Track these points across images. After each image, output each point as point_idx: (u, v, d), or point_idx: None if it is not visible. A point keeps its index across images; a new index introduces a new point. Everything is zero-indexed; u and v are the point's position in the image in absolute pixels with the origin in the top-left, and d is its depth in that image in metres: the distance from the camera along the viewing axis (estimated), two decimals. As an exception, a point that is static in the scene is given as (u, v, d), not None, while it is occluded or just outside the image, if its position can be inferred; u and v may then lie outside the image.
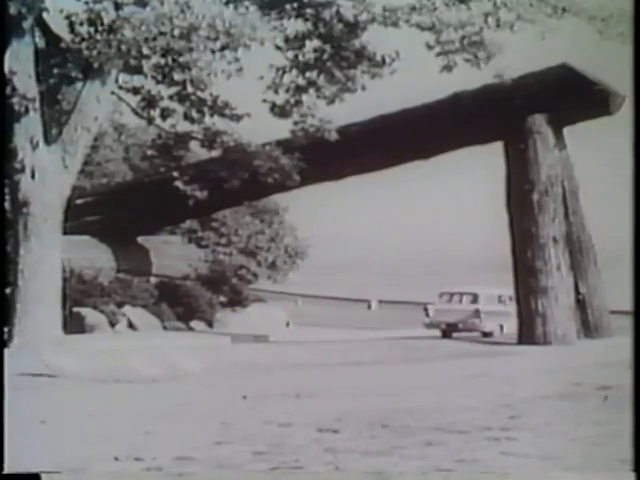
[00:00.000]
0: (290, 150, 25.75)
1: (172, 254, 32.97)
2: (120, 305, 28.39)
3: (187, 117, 24.92)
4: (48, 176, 21.31)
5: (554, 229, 25.10)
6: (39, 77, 21.34)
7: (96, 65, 21.00)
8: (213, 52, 21.58)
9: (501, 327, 26.49)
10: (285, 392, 14.15)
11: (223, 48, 21.31)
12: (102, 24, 20.55)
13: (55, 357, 16.87)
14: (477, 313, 26.95)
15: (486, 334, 26.66)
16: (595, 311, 25.59)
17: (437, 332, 27.45)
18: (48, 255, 21.09)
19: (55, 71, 22.25)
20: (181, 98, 24.42)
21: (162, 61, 22.50)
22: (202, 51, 21.48)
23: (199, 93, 24.21)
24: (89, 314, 27.57)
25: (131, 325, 28.13)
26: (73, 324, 25.09)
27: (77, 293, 27.17)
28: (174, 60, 22.65)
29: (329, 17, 22.25)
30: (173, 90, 24.31)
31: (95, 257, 29.73)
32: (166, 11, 20.28)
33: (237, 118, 24.94)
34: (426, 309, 28.07)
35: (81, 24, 20.94)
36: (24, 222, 21.03)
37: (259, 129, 26.27)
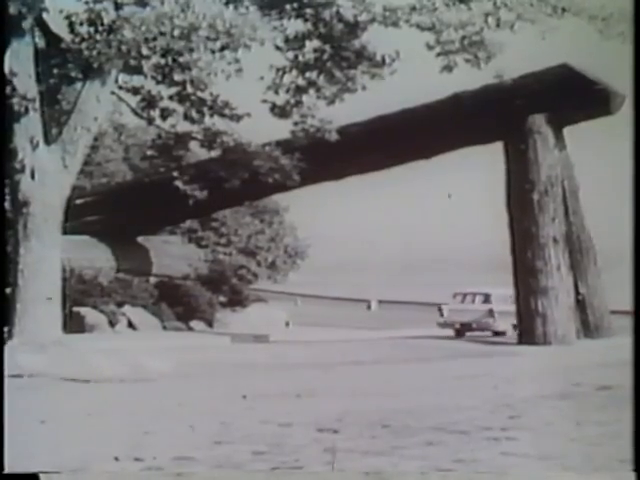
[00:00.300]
0: (290, 150, 25.75)
1: (172, 254, 32.96)
2: (120, 305, 28.39)
3: (187, 117, 24.91)
4: (48, 176, 21.29)
5: (554, 229, 25.09)
6: (39, 77, 21.33)
7: (96, 65, 20.98)
8: (213, 52, 21.56)
9: (514, 326, 26.61)
10: (285, 392, 14.14)
11: (223, 48, 21.29)
12: (102, 24, 20.53)
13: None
14: (491, 313, 27.24)
15: (498, 333, 26.85)
16: (595, 311, 25.58)
17: (446, 332, 27.91)
18: (48, 255, 21.08)
19: (55, 71, 22.24)
20: (181, 98, 24.41)
21: (162, 61, 22.49)
22: (202, 51, 21.47)
23: (199, 93, 24.20)
24: (89, 314, 27.58)
25: (131, 325, 28.14)
26: (73, 324, 25.09)
27: (77, 293, 27.17)
28: (174, 60, 22.64)
29: (329, 17, 22.24)
30: (173, 90, 24.30)
31: (95, 257, 29.72)
32: (166, 11, 20.27)
33: (237, 118, 24.93)
34: (440, 309, 28.62)
35: (81, 24, 20.92)
36: (24, 222, 21.02)
37: (259, 129, 26.28)
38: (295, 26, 22.75)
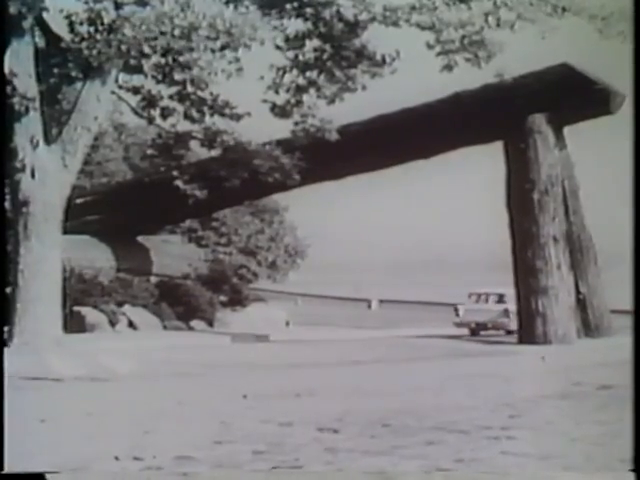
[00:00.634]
0: (290, 149, 25.76)
1: (172, 253, 32.98)
2: (120, 304, 28.41)
3: (187, 117, 24.91)
4: (48, 176, 21.28)
5: (554, 228, 25.10)
6: (39, 77, 21.32)
7: (96, 65, 20.97)
8: (213, 52, 21.55)
9: None
10: (285, 391, 14.15)
11: (223, 48, 21.29)
12: (102, 24, 20.52)
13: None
14: (506, 312, 27.54)
15: (511, 332, 27.07)
16: (595, 310, 25.60)
17: (461, 331, 28.52)
18: (48, 254, 21.06)
19: (55, 71, 22.23)
20: (181, 98, 24.40)
21: (162, 60, 22.47)
22: (202, 51, 21.46)
23: (199, 92, 24.19)
24: (89, 313, 27.59)
25: (131, 324, 28.15)
26: (73, 323, 25.09)
27: (77, 292, 27.19)
28: (174, 60, 22.62)
29: (329, 16, 22.22)
30: (173, 90, 24.29)
31: (95, 256, 29.74)
32: (166, 10, 20.26)
33: (237, 117, 24.93)
34: (456, 309, 29.56)
35: (81, 24, 20.91)
36: (24, 222, 21.01)
37: (259, 129, 26.29)
38: (295, 25, 22.75)
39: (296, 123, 24.56)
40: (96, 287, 28.56)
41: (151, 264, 31.51)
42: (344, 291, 50.87)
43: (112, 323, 27.80)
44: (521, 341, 24.80)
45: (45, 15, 21.78)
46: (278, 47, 23.18)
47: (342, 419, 11.22)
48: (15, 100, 20.51)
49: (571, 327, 24.77)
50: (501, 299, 27.77)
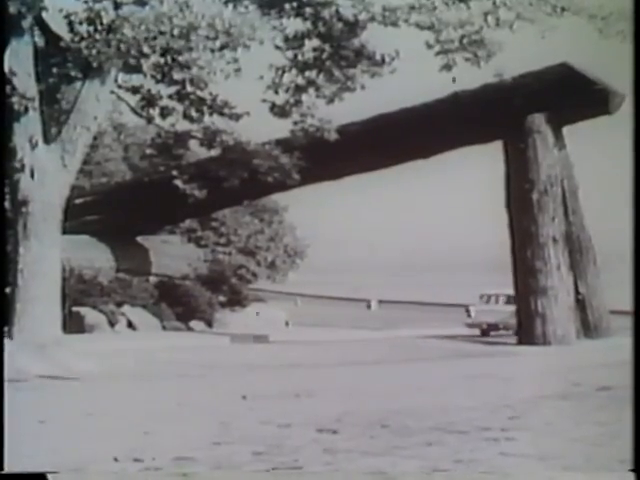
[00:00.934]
0: (290, 149, 25.75)
1: (171, 254, 32.97)
2: (119, 305, 28.40)
3: (186, 116, 24.89)
4: (47, 175, 21.27)
5: (554, 229, 25.09)
6: (38, 76, 21.30)
7: (95, 64, 20.95)
8: (212, 51, 21.54)
9: None
10: (284, 392, 14.14)
11: (222, 47, 21.27)
12: (101, 23, 20.50)
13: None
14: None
15: None
16: (595, 311, 25.58)
17: (473, 331, 28.98)
18: (47, 254, 21.05)
19: (54, 70, 22.21)
20: (180, 97, 24.38)
21: (161, 60, 22.45)
22: (201, 50, 21.44)
23: (198, 92, 24.18)
24: (89, 314, 27.58)
25: (130, 325, 28.14)
26: (73, 324, 25.08)
27: (77, 293, 27.17)
28: (173, 59, 22.60)
29: (328, 16, 22.21)
30: (172, 89, 24.27)
31: (94, 257, 29.72)
32: (165, 10, 20.24)
33: (236, 117, 24.91)
34: (468, 310, 30.44)
35: (80, 23, 20.88)
36: (24, 221, 20.99)
37: (259, 128, 26.29)
38: (294, 25, 22.73)
39: (295, 123, 24.55)
40: (95, 287, 28.55)
41: (150, 264, 31.50)
42: (343, 291, 50.87)
43: (111, 323, 27.79)
44: (520, 342, 24.78)
45: (44, 15, 21.77)
46: (277, 47, 23.17)
47: (341, 420, 11.21)
48: (14, 100, 20.49)
49: (570, 328, 24.76)
50: (510, 300, 27.89)
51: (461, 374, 17.33)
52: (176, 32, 20.28)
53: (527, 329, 24.76)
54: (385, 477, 8.25)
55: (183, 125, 25.60)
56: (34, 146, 21.06)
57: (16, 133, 20.93)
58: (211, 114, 24.87)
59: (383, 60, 22.86)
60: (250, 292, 33.08)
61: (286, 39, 23.00)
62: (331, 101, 23.90)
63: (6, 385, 10.69)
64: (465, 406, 12.46)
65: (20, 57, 20.80)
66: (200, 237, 40.29)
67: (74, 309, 26.67)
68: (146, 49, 20.72)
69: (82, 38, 20.73)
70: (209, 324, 29.64)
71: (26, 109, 20.78)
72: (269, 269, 43.75)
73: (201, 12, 20.40)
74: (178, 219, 35.60)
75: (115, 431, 10.66)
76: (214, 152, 26.82)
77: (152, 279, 30.76)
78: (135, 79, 24.15)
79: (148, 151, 30.07)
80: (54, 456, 9.05)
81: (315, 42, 23.14)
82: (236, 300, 31.36)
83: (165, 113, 25.06)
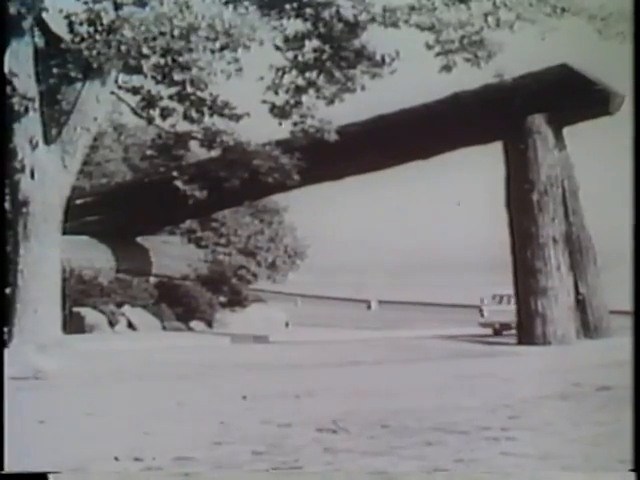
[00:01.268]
0: (290, 150, 25.76)
1: (172, 254, 32.97)
2: (120, 305, 28.40)
3: (187, 117, 24.92)
4: (48, 176, 21.30)
5: (554, 229, 25.09)
6: (39, 77, 21.34)
7: (96, 65, 20.99)
8: (213, 52, 21.56)
9: None
10: (284, 392, 14.15)
11: (223, 48, 21.29)
12: (102, 24, 20.53)
13: None
14: None
15: None
16: (595, 311, 25.58)
17: (486, 330, 29.25)
18: (48, 255, 21.08)
19: (55, 71, 22.23)
20: (181, 98, 24.41)
21: (162, 61, 22.48)
22: (202, 51, 21.47)
23: (199, 93, 24.21)
24: (89, 314, 27.58)
25: (130, 325, 28.14)
26: (73, 324, 25.09)
27: (77, 293, 27.18)
28: (174, 60, 22.64)
29: (329, 17, 22.23)
30: (173, 90, 24.31)
31: (95, 257, 29.73)
32: (165, 11, 20.26)
33: (237, 118, 24.94)
34: (481, 310, 30.48)
35: (81, 24, 20.91)
36: (24, 222, 21.02)
37: (259, 129, 26.30)
38: (295, 26, 22.77)
39: (295, 124, 24.57)
40: (95, 288, 28.55)
41: (151, 265, 31.51)
42: (343, 292, 50.87)
43: (111, 324, 27.79)
44: (520, 342, 24.78)
45: (45, 15, 21.80)
46: (277, 47, 23.20)
47: (342, 420, 11.22)
48: (15, 100, 20.53)
49: (570, 328, 24.76)
50: None
51: (461, 374, 17.34)
52: (176, 33, 20.31)
53: (527, 329, 24.76)
54: (385, 477, 8.26)
55: (183, 126, 25.64)
56: (34, 147, 21.10)
57: (16, 134, 20.96)
58: (211, 115, 24.89)
59: (383, 61, 22.89)
60: (250, 292, 33.08)
61: (286, 40, 23.03)
62: (331, 102, 23.92)
63: (6, 385, 10.70)
64: (465, 406, 12.47)
65: (20, 58, 20.83)
66: (200, 238, 40.31)
67: (74, 309, 26.68)
68: (146, 50, 20.75)
69: (82, 39, 20.76)
70: (209, 324, 29.65)
71: (26, 110, 20.81)
72: (269, 269, 43.77)
73: (201, 13, 20.43)
74: (178, 220, 35.61)
75: (115, 431, 10.67)
76: (214, 153, 26.83)
77: (152, 279, 30.77)
78: (135, 80, 24.20)
79: (148, 152, 30.08)
80: (54, 456, 9.06)
81: (315, 43, 23.17)
82: (236, 300, 31.36)
83: (165, 114, 25.09)
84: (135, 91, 24.68)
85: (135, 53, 20.70)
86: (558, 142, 25.67)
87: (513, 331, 27.89)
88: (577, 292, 25.36)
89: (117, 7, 20.79)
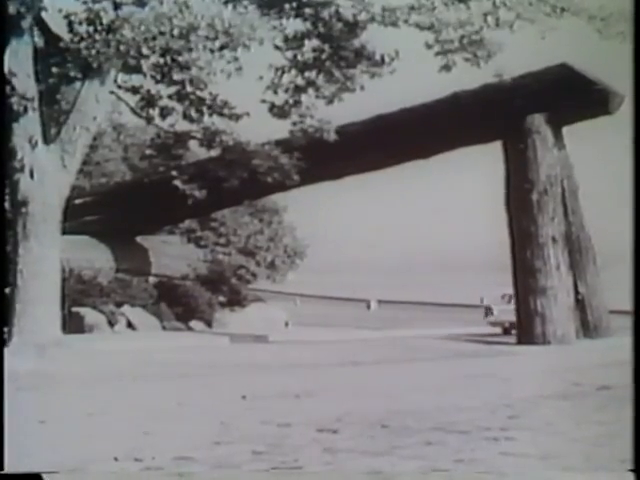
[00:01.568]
0: (289, 149, 25.75)
1: (171, 254, 32.97)
2: (119, 305, 28.39)
3: (186, 116, 24.91)
4: (47, 176, 21.29)
5: (553, 229, 25.09)
6: (38, 77, 21.33)
7: (95, 65, 20.97)
8: (212, 52, 21.56)
9: None
10: (284, 392, 14.15)
11: (222, 48, 21.28)
12: (101, 24, 20.52)
13: None
14: None
15: None
16: (594, 311, 25.58)
17: (495, 329, 29.71)
18: (47, 255, 21.07)
19: (54, 70, 22.22)
20: (180, 97, 24.40)
21: (161, 60, 22.49)
22: (201, 51, 21.46)
23: (198, 92, 24.20)
24: (88, 314, 27.58)
25: (130, 325, 28.14)
26: (72, 324, 25.09)
27: (76, 293, 27.18)
28: (173, 60, 22.64)
29: (328, 17, 22.22)
30: (172, 89, 24.30)
31: (94, 257, 29.72)
32: (165, 11, 20.25)
33: (236, 117, 24.93)
34: (491, 309, 31.23)
35: (80, 24, 20.90)
36: (23, 222, 21.01)
37: (258, 129, 26.29)
38: (294, 25, 22.76)
39: (294, 123, 24.56)
40: (95, 288, 28.55)
41: (150, 264, 31.51)
42: (343, 291, 50.88)
43: (111, 324, 27.79)
44: (520, 341, 24.78)
45: (44, 15, 21.79)
46: (277, 47, 23.19)
47: (341, 420, 11.22)
48: (14, 100, 20.52)
49: (570, 327, 24.76)
50: None
51: (461, 374, 17.34)
52: (176, 32, 20.30)
53: (527, 329, 24.76)
54: (385, 476, 8.26)
55: (183, 125, 25.62)
56: (34, 146, 21.08)
57: (16, 133, 20.95)
58: (211, 114, 24.88)
59: (383, 60, 22.88)
60: (250, 292, 33.07)
61: (286, 39, 23.02)
62: (330, 101, 23.91)
63: (6, 385, 10.69)
64: (465, 406, 12.47)
65: (20, 57, 20.82)
66: (200, 237, 40.33)
67: (74, 309, 26.68)
68: (146, 49, 20.74)
69: (82, 38, 20.75)
70: (209, 324, 29.64)
71: (26, 109, 20.80)
72: (269, 269, 43.77)
73: (201, 12, 20.41)
74: (178, 219, 35.61)
75: (115, 431, 10.67)
76: (214, 152, 26.82)
77: (152, 279, 30.77)
78: (135, 79, 24.20)
79: (148, 151, 30.06)
80: (54, 456, 9.05)
81: (315, 42, 23.16)
82: (236, 300, 31.36)
83: (165, 113, 25.08)
84: (134, 91, 24.67)
85: (134, 53, 20.69)
86: (558, 142, 25.67)
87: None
88: (577, 292, 25.36)
89: (117, 7, 20.79)
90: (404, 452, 9.22)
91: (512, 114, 25.43)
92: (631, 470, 8.47)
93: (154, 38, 20.40)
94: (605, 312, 25.76)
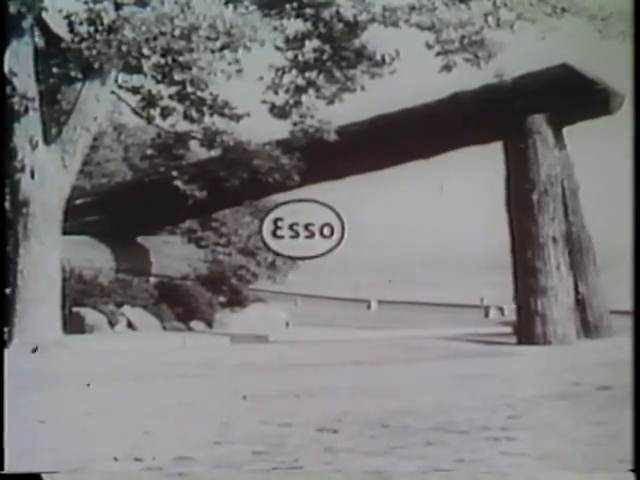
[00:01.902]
0: (290, 150, 25.74)
1: (172, 254, 32.94)
2: (120, 305, 28.38)
3: (187, 116, 24.91)
4: (47, 176, 21.30)
5: (554, 229, 25.07)
6: (38, 77, 21.33)
7: (96, 65, 20.98)
8: (213, 52, 21.56)
9: None
10: (284, 392, 14.14)
11: (223, 48, 21.30)
12: (102, 24, 20.52)
13: None
14: None
15: None
16: (595, 311, 25.55)
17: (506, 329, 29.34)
18: (48, 255, 21.08)
19: (55, 71, 22.23)
20: (181, 97, 24.40)
21: (162, 61, 22.48)
22: (202, 51, 21.47)
23: (199, 93, 24.19)
24: (89, 314, 27.57)
25: (130, 325, 28.13)
26: (73, 324, 25.08)
27: (77, 293, 27.16)
28: (174, 60, 22.63)
29: (329, 17, 22.23)
30: (173, 90, 24.29)
31: (95, 257, 29.70)
32: (166, 11, 20.26)
33: (237, 118, 24.93)
34: (501, 308, 31.20)
35: (81, 24, 20.91)
36: (24, 222, 21.02)
37: (259, 129, 26.27)
38: (295, 26, 22.76)
39: (295, 124, 24.56)
40: (96, 288, 28.53)
41: (150, 265, 31.48)
42: (343, 291, 50.81)
43: (111, 324, 27.78)
44: (520, 342, 24.77)
45: (45, 15, 21.79)
46: (278, 48, 23.19)
47: (342, 419, 11.21)
48: (14, 100, 20.53)
49: (570, 327, 24.74)
50: None
51: (461, 374, 17.33)
52: (177, 33, 20.31)
53: (527, 329, 24.74)
54: (385, 476, 8.26)
55: (183, 125, 25.62)
56: (34, 147, 21.09)
57: (16, 133, 20.96)
58: (211, 115, 24.88)
59: (383, 61, 22.88)
60: (250, 292, 33.04)
61: (286, 40, 23.02)
62: (331, 102, 23.91)
63: (6, 385, 10.70)
64: (465, 406, 12.46)
65: (20, 57, 20.83)
66: (200, 237, 40.25)
67: (74, 310, 26.66)
68: (147, 50, 20.75)
69: (82, 39, 20.75)
70: (209, 324, 29.63)
71: (26, 109, 20.81)
72: (269, 269, 43.72)
73: (202, 13, 20.43)
74: (178, 220, 35.54)
75: (115, 431, 10.67)
76: (214, 153, 26.81)
77: (152, 279, 30.75)
78: (135, 79, 24.18)
79: (148, 151, 30.02)
80: (54, 456, 9.05)
81: (315, 43, 23.16)
82: (236, 300, 31.33)
83: (165, 113, 25.07)
84: (135, 91, 24.67)
85: (135, 53, 20.70)
86: (558, 142, 25.65)
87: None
88: (577, 292, 25.34)
89: (118, 7, 20.78)
90: (404, 452, 9.22)
91: (513, 114, 25.41)
92: (631, 470, 8.47)
93: (155, 38, 20.42)
94: (606, 312, 25.73)
